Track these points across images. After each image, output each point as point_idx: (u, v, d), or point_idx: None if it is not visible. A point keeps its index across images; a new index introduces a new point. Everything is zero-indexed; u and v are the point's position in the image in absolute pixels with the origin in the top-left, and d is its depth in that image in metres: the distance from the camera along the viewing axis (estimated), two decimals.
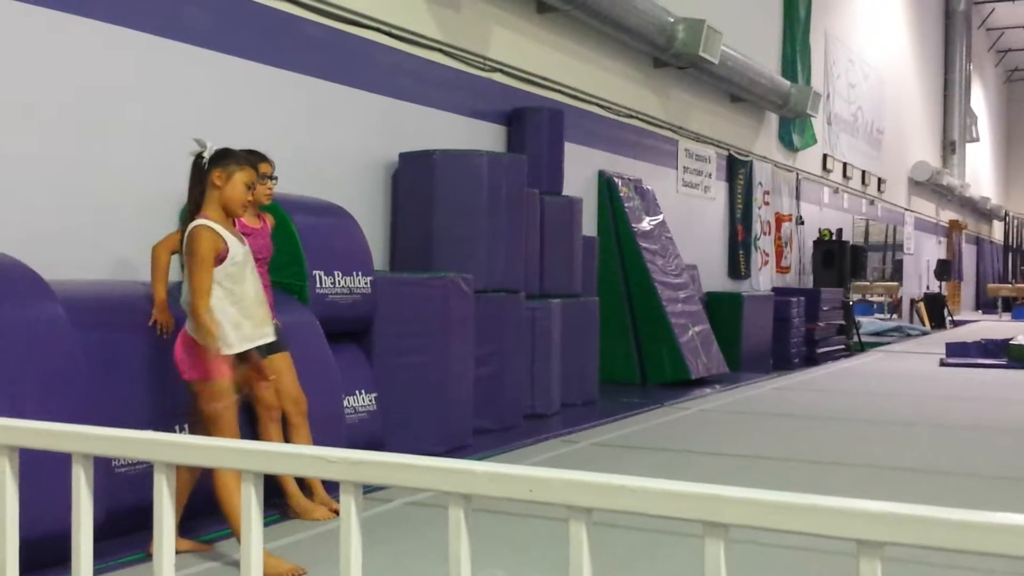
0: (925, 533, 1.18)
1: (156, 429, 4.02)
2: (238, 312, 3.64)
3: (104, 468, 3.69)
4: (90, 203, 5.10)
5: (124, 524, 3.79)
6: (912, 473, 5.56)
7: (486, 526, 3.97)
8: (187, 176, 3.74)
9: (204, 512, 4.01)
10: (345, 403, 5.26)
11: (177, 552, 3.66)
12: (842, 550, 1.27)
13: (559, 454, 5.96)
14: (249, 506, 1.64)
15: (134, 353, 4.15)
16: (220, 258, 3.57)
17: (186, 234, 3.60)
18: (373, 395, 5.60)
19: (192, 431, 3.89)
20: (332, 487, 4.39)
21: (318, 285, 5.32)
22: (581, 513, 1.35)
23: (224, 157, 3.68)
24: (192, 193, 3.69)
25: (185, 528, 3.88)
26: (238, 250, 3.65)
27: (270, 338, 3.80)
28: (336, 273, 5.45)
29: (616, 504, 1.32)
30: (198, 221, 3.59)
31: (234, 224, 3.80)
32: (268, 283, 4.30)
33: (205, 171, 3.64)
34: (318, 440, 4.46)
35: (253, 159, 3.94)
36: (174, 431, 4.14)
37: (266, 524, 3.98)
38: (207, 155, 3.65)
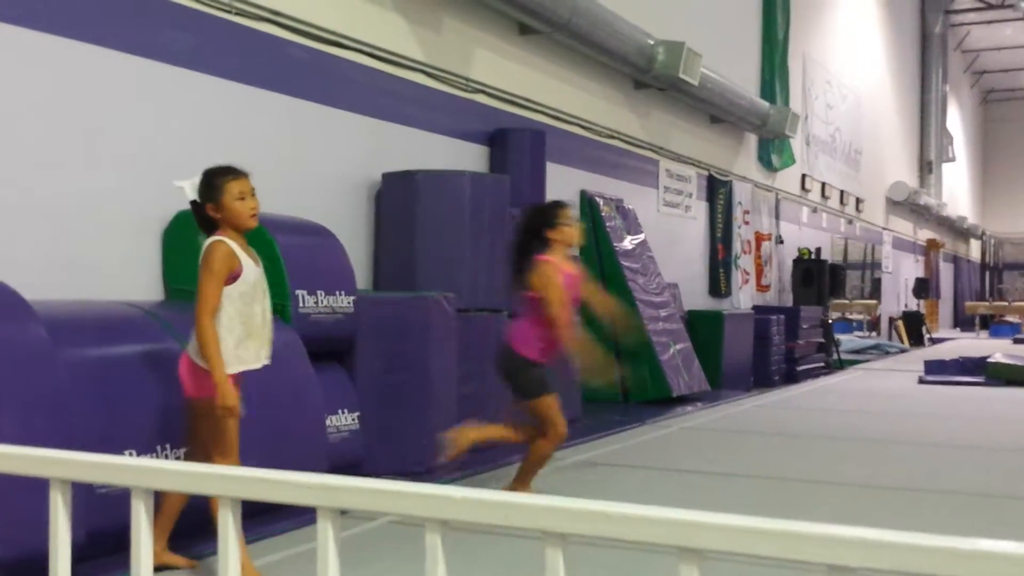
0: (897, 559, 1.20)
1: (139, 451, 4.01)
2: (245, 332, 3.66)
3: (86, 489, 3.67)
4: (71, 223, 5.09)
5: (106, 545, 3.76)
6: (891, 491, 5.60)
7: (469, 546, 3.97)
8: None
9: (199, 529, 3.99)
10: (328, 422, 5.25)
11: (165, 567, 3.65)
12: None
13: (541, 472, 5.95)
14: (226, 530, 1.64)
15: (117, 375, 4.13)
16: (234, 276, 3.60)
17: (203, 247, 3.63)
18: (356, 414, 5.59)
19: (191, 450, 3.88)
20: None
21: (301, 304, 5.32)
22: (556, 538, 1.36)
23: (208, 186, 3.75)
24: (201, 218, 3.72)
25: (177, 544, 3.86)
26: (251, 271, 3.69)
27: (266, 361, 3.82)
28: (319, 292, 5.45)
29: (591, 530, 1.33)
30: (215, 236, 3.64)
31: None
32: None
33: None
34: (300, 460, 4.45)
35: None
36: (156, 452, 4.12)
37: (251, 542, 3.97)
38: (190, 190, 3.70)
